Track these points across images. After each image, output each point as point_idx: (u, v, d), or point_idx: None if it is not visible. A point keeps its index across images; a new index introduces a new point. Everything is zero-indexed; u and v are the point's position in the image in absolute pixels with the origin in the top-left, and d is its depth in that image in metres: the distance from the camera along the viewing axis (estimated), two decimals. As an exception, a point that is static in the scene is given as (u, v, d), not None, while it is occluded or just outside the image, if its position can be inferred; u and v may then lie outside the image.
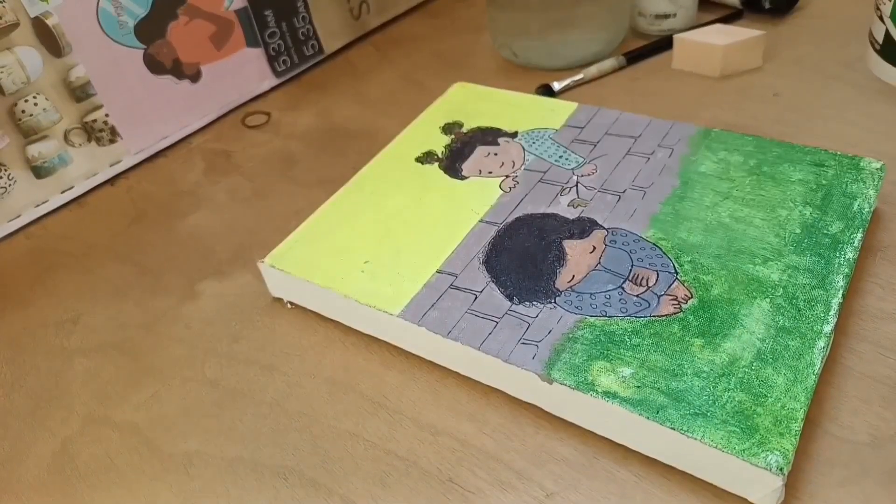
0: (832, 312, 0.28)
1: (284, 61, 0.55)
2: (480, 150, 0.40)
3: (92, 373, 0.35)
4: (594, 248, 0.32)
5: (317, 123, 0.51)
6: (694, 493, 0.26)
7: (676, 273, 0.30)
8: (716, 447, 0.24)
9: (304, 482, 0.28)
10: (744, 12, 0.53)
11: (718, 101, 0.45)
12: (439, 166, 0.39)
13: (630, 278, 0.31)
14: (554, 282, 0.31)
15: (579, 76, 0.49)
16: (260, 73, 0.54)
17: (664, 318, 0.29)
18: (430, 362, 0.32)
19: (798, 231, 0.31)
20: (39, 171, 0.45)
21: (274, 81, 0.55)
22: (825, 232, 0.31)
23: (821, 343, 0.27)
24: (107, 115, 0.47)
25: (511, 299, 0.31)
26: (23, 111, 0.43)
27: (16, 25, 0.42)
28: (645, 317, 0.29)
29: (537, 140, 0.40)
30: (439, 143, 0.41)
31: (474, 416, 0.30)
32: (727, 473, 0.25)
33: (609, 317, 0.29)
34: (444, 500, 0.27)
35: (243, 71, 0.53)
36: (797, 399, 0.25)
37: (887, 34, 0.42)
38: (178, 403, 0.32)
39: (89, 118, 0.46)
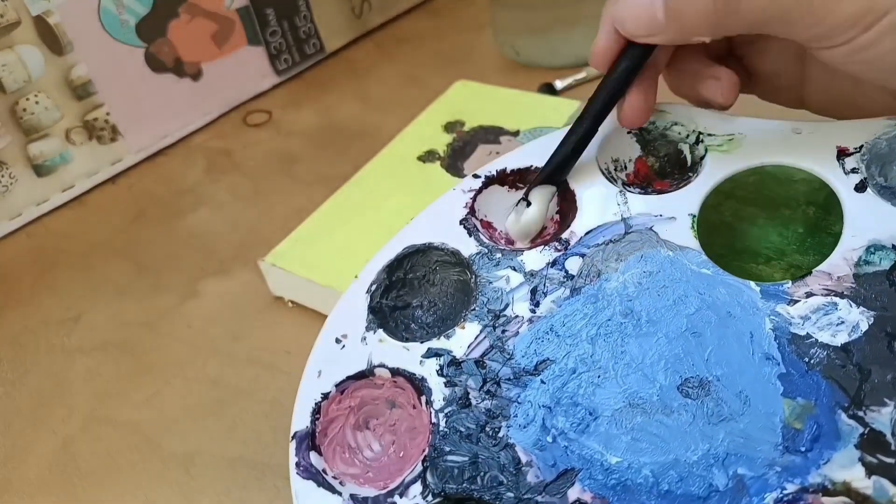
0: (835, 312, 0.28)
1: (286, 60, 0.55)
2: (482, 149, 0.40)
3: (93, 371, 0.35)
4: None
5: (318, 122, 0.51)
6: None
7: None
8: None
9: (306, 481, 0.28)
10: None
11: (721, 99, 0.45)
12: (441, 165, 0.39)
13: None
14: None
15: (582, 75, 0.49)
16: (261, 72, 0.54)
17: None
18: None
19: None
20: (40, 170, 0.45)
21: (275, 80, 0.55)
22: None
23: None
24: (108, 114, 0.47)
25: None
26: (24, 109, 0.43)
27: (17, 24, 0.42)
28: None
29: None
30: (441, 141, 0.41)
31: (476, 415, 0.29)
32: None
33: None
34: (446, 499, 0.27)
35: (244, 69, 0.53)
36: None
37: (891, 33, 0.42)
38: (180, 402, 0.32)
39: (90, 117, 0.46)
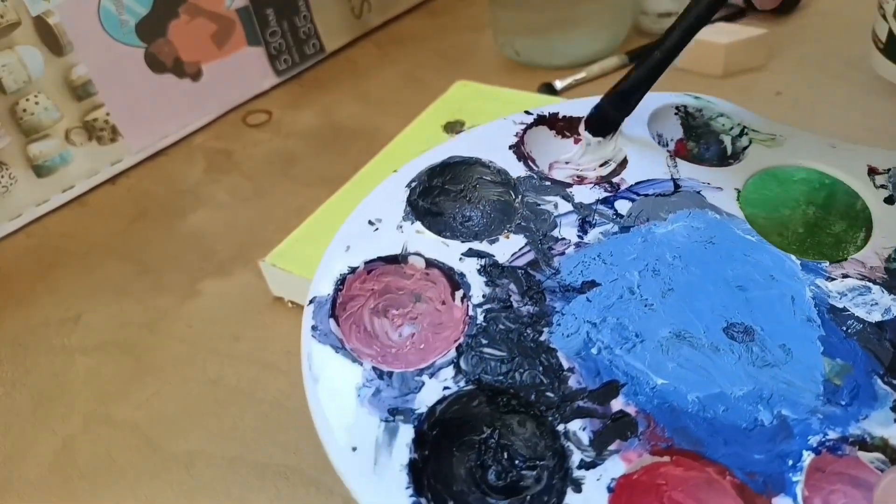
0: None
1: (285, 60, 0.55)
2: (482, 149, 0.40)
3: (93, 371, 0.35)
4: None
5: (318, 122, 0.51)
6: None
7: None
8: None
9: (306, 481, 0.28)
10: (747, 11, 0.53)
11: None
12: (441, 165, 0.39)
13: None
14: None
15: (581, 75, 0.49)
16: (261, 72, 0.54)
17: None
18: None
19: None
20: (40, 170, 0.45)
21: (275, 80, 0.55)
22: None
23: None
24: (108, 114, 0.47)
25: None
26: (24, 110, 0.43)
27: (17, 24, 0.42)
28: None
29: (539, 139, 0.40)
30: (441, 141, 0.41)
31: (476, 415, 0.29)
32: None
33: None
34: (446, 499, 0.27)
35: (244, 70, 0.53)
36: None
37: (890, 33, 0.42)
38: (180, 402, 0.32)
39: (90, 117, 0.46)
